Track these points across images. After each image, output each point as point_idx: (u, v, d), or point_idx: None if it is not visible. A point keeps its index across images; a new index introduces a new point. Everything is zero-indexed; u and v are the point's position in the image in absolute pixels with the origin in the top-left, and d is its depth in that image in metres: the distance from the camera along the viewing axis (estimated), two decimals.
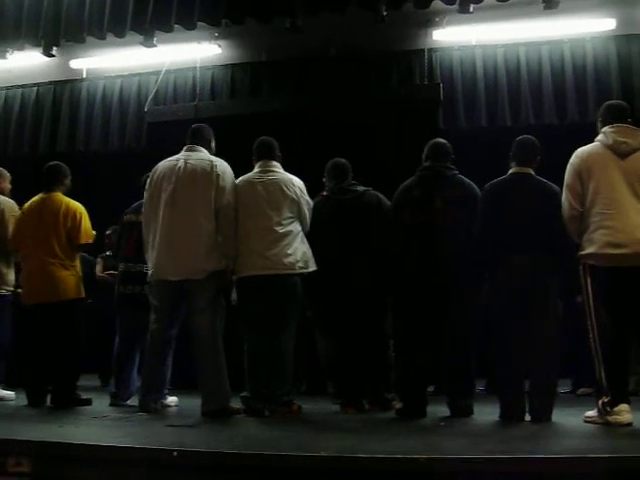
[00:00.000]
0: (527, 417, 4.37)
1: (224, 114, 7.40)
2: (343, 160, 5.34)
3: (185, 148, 4.96)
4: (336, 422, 4.62)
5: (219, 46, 7.96)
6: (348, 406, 4.99)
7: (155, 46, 7.39)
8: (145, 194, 4.96)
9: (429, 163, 4.89)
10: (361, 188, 5.22)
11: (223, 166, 4.85)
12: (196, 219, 4.72)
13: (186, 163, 4.82)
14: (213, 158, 4.89)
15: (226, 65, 8.10)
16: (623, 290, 4.19)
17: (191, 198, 4.74)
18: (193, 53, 7.94)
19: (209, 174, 4.76)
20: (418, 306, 4.67)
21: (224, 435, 3.97)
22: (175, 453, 3.19)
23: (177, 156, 4.92)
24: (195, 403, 4.82)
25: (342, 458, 3.09)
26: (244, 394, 4.80)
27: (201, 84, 8.08)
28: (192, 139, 4.98)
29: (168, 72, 8.08)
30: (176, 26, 7.04)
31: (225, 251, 4.75)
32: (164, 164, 4.91)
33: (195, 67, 8.05)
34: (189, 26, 7.06)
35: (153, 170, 4.96)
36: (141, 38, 7.30)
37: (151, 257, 4.81)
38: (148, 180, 4.96)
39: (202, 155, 4.89)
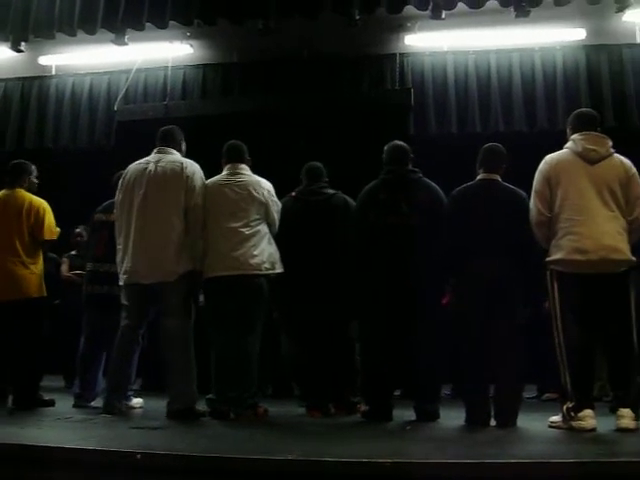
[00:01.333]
0: (492, 422, 4.39)
1: (195, 114, 7.36)
2: (318, 163, 5.36)
3: (155, 150, 4.95)
4: (302, 425, 4.60)
5: (191, 46, 7.92)
6: (314, 409, 4.99)
7: (126, 44, 7.33)
8: (117, 196, 4.94)
9: (392, 166, 4.89)
10: (330, 191, 5.23)
11: (193, 167, 4.85)
12: (168, 222, 4.72)
13: (156, 166, 4.82)
14: (183, 160, 4.89)
15: (197, 65, 8.06)
16: (589, 296, 4.23)
17: (162, 201, 4.74)
18: (164, 52, 7.89)
19: (179, 176, 4.77)
20: (384, 309, 4.67)
21: (189, 437, 3.94)
22: (139, 455, 3.16)
23: (147, 158, 4.92)
24: (161, 405, 4.78)
25: (307, 461, 3.07)
26: (210, 396, 4.77)
27: (172, 84, 8.02)
28: (162, 141, 4.98)
29: (139, 71, 8.01)
30: (148, 25, 7.00)
31: (193, 252, 4.75)
32: (135, 167, 4.91)
33: (166, 66, 7.99)
34: (161, 25, 7.02)
35: (124, 173, 4.95)
36: (112, 36, 7.25)
37: (123, 260, 4.79)
38: (119, 183, 4.95)
39: (172, 157, 4.89)
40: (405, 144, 5.02)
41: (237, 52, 7.93)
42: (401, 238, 4.66)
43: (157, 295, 4.76)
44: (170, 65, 7.98)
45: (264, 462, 3.09)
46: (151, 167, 4.82)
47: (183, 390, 4.65)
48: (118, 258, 4.84)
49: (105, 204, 5.38)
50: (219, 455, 3.21)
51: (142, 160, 4.93)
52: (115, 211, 4.96)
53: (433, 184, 4.83)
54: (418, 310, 4.60)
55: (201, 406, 4.75)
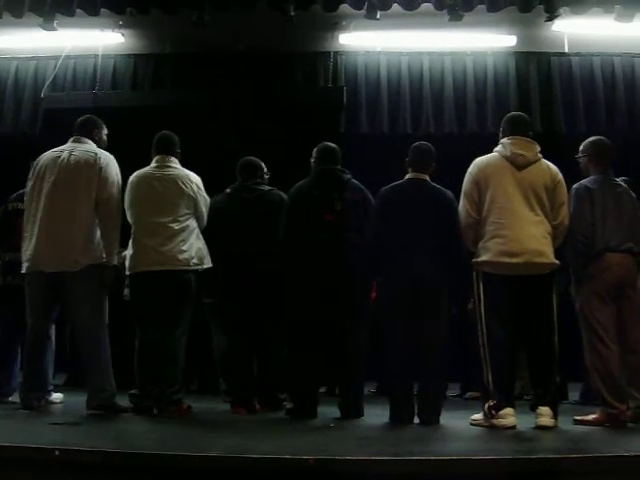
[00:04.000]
0: (416, 419, 4.44)
1: (124, 105, 7.22)
2: (254, 159, 5.33)
3: (71, 139, 4.85)
4: (226, 421, 4.58)
5: (122, 35, 7.73)
6: (238, 406, 4.96)
7: (55, 30, 7.11)
8: (27, 184, 4.83)
9: (324, 165, 4.89)
10: (265, 187, 5.20)
11: (107, 158, 4.76)
12: (76, 211, 4.63)
13: (70, 154, 4.73)
14: (98, 150, 4.79)
15: (129, 55, 7.89)
16: (514, 298, 4.32)
17: (72, 190, 4.65)
18: (95, 40, 7.69)
19: (92, 166, 4.68)
20: (312, 307, 4.67)
21: (110, 433, 3.87)
22: (57, 452, 3.08)
23: (62, 147, 4.82)
24: (82, 400, 4.67)
25: (230, 458, 3.05)
26: (133, 391, 4.71)
27: (102, 73, 7.83)
28: (79, 130, 4.88)
29: (68, 58, 7.80)
30: (78, 11, 6.81)
31: (106, 245, 4.65)
32: (48, 155, 4.81)
33: (96, 55, 7.80)
34: (92, 12, 6.84)
35: (37, 160, 4.84)
36: (40, 20, 7.03)
37: (28, 248, 4.67)
38: (31, 171, 4.83)
39: (87, 147, 4.80)
40: (335, 145, 5.03)
41: (170, 43, 7.80)
42: (332, 236, 4.67)
43: (61, 286, 4.63)
44: (100, 54, 7.80)
45: (186, 459, 3.05)
46: (64, 155, 4.73)
47: (100, 386, 4.57)
48: (24, 246, 4.70)
49: (20, 192, 5.21)
50: (140, 451, 3.15)
51: (57, 148, 4.82)
52: (25, 198, 4.83)
53: (361, 185, 4.85)
54: (345, 308, 4.62)
55: (124, 401, 4.67)
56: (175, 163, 4.93)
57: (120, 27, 7.62)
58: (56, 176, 4.66)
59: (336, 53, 7.75)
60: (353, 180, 4.87)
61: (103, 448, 3.19)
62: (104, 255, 4.63)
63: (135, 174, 4.86)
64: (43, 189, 4.67)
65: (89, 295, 4.62)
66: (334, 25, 7.55)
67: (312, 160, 4.97)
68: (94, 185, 4.64)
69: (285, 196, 5.09)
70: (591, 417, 4.44)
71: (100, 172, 4.66)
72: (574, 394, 5.76)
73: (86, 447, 3.20)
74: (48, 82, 7.78)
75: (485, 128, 7.34)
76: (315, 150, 4.98)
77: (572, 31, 7.56)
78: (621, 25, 7.09)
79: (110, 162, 4.75)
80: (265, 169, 5.34)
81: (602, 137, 4.88)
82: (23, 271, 4.70)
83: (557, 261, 4.40)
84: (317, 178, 4.87)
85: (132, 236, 4.78)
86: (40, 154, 4.94)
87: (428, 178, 4.67)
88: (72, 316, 4.68)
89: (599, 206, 4.54)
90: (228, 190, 5.20)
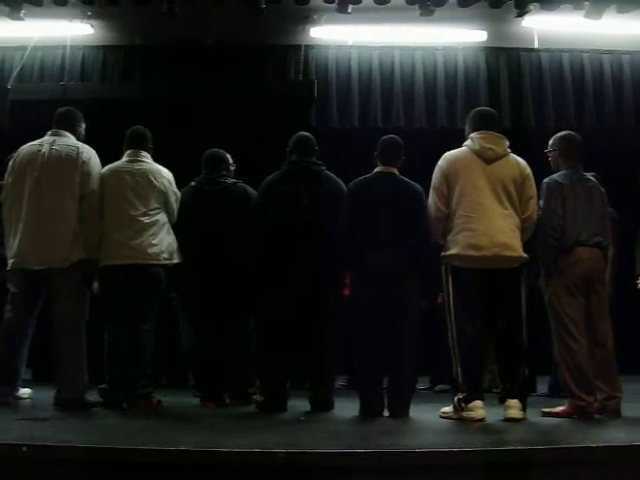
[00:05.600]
0: (386, 412, 4.46)
1: (93, 97, 7.11)
2: (218, 151, 5.30)
3: (50, 132, 4.79)
4: (196, 416, 4.56)
5: (91, 26, 7.62)
6: (208, 400, 4.94)
7: (22, 20, 7.00)
8: (6, 179, 4.76)
9: (295, 157, 4.87)
10: (230, 180, 5.18)
11: (89, 153, 4.72)
12: (61, 207, 4.59)
13: (51, 148, 4.67)
14: (79, 144, 4.75)
15: (98, 46, 7.79)
16: (483, 291, 4.35)
17: (56, 185, 4.60)
18: (63, 31, 7.58)
19: (74, 160, 4.64)
20: (281, 301, 4.66)
21: (79, 429, 3.83)
22: (25, 448, 3.03)
23: (41, 140, 4.75)
24: (51, 395, 4.63)
25: (200, 452, 3.04)
26: (102, 386, 4.68)
27: (70, 64, 7.72)
28: (58, 123, 4.81)
29: (35, 48, 7.69)
30: (46, 0, 6.71)
31: (88, 240, 4.63)
32: (27, 149, 4.73)
33: (65, 46, 7.69)
34: (60, 2, 6.74)
35: (15, 154, 4.77)
36: (7, 10, 6.91)
37: (12, 245, 4.62)
38: (9, 165, 4.76)
39: (67, 140, 4.74)
40: (310, 135, 5.01)
41: (140, 35, 7.71)
42: (301, 231, 4.66)
43: (47, 282, 4.61)
44: (69, 44, 7.69)
45: (156, 453, 3.03)
46: (45, 150, 4.66)
47: (72, 379, 4.54)
48: (7, 242, 4.66)
49: None
50: (109, 446, 3.13)
51: (35, 142, 4.75)
52: (4, 194, 4.76)
53: (335, 177, 4.84)
54: (316, 302, 4.62)
55: (93, 396, 4.64)
56: (147, 158, 4.91)
57: (89, 18, 7.50)
58: (38, 172, 4.60)
59: (307, 47, 7.73)
60: (325, 172, 4.85)
61: (72, 443, 3.16)
62: (86, 250, 4.60)
63: (106, 168, 4.82)
64: (25, 185, 4.61)
65: (73, 290, 4.60)
66: (305, 18, 7.52)
67: (287, 150, 4.95)
68: (77, 180, 4.60)
69: (250, 189, 5.08)
70: (559, 409, 4.50)
71: (83, 166, 4.63)
72: (542, 387, 5.83)
73: (55, 443, 3.17)
74: (15, 73, 7.65)
75: (455, 123, 7.38)
76: (291, 140, 4.96)
77: (542, 27, 7.62)
78: (590, 22, 7.16)
79: (92, 156, 4.72)
80: (231, 161, 5.32)
81: (572, 132, 4.93)
82: (8, 268, 4.65)
83: (525, 254, 4.43)
84: (285, 172, 4.85)
85: (102, 230, 4.73)
86: (9, 146, 4.88)
87: (397, 172, 4.67)
88: (54, 311, 4.61)
89: (570, 200, 4.59)
90: (193, 183, 5.18)
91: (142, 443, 3.21)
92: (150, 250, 4.70)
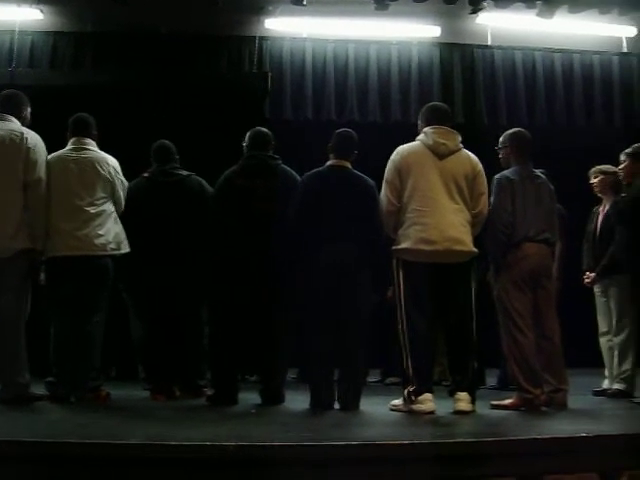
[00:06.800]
0: (336, 405, 4.46)
1: (43, 84, 6.97)
2: (168, 142, 5.24)
3: None
4: (146, 409, 4.51)
5: (41, 11, 7.50)
6: (158, 392, 4.90)
7: None
8: None
9: (253, 152, 4.85)
10: (184, 172, 5.13)
11: (35, 139, 4.57)
12: (5, 195, 4.44)
13: None
14: (24, 129, 4.59)
15: (48, 32, 7.64)
16: (433, 285, 4.37)
17: None
18: (12, 15, 7.42)
19: (18, 147, 4.48)
20: (234, 294, 4.64)
21: (24, 422, 3.77)
22: None
23: None
24: None
25: (150, 445, 3.01)
26: (49, 379, 4.59)
27: (19, 50, 7.55)
28: (1, 107, 4.65)
29: None
30: None
31: (34, 229, 4.51)
32: None
33: (13, 30, 7.52)
34: None
35: None
36: None
37: None
38: None
39: (12, 125, 4.57)
40: (267, 131, 4.99)
41: (91, 22, 7.59)
42: (257, 224, 4.63)
43: None
44: (17, 29, 7.52)
45: (104, 447, 2.99)
46: None
47: (14, 379, 4.40)
48: None
49: None
50: (56, 440, 3.07)
51: None
52: None
53: (291, 171, 4.82)
54: (268, 295, 4.60)
55: (40, 390, 4.55)
56: (92, 145, 4.80)
57: (39, 2, 7.38)
58: None
59: (261, 38, 7.71)
60: (282, 166, 4.83)
61: (18, 438, 3.09)
62: (31, 240, 4.48)
63: (51, 156, 4.70)
64: None
65: (15, 282, 4.46)
66: (260, 10, 7.51)
67: (244, 145, 4.92)
68: (21, 167, 4.45)
69: (204, 182, 5.05)
70: (507, 402, 4.56)
71: (28, 153, 4.47)
72: (491, 379, 5.91)
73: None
74: None
75: (408, 117, 7.44)
76: (247, 135, 4.93)
77: (495, 24, 7.73)
78: (542, 21, 7.27)
79: (38, 142, 4.57)
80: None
81: (522, 129, 4.98)
82: None
83: (476, 249, 4.48)
84: (243, 166, 4.82)
85: (48, 220, 4.61)
86: None
87: (350, 165, 4.67)
88: None
89: (520, 197, 4.64)
90: (146, 174, 5.11)
91: (91, 437, 3.15)
92: (97, 241, 4.62)
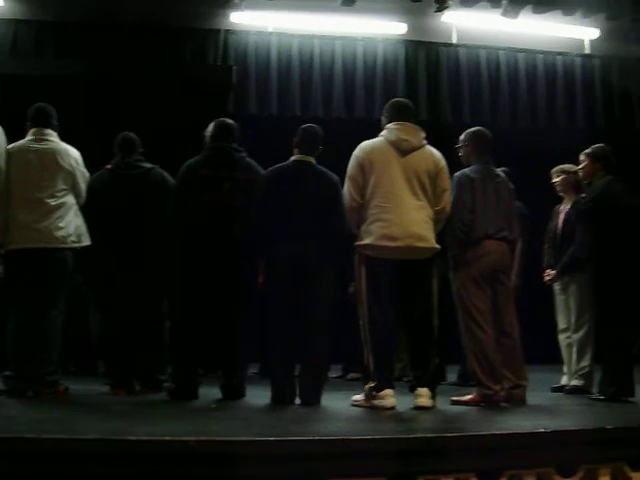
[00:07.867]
0: (297, 400, 4.46)
1: (3, 72, 6.87)
2: (132, 134, 5.18)
3: None
4: (105, 404, 4.45)
5: None
6: (118, 387, 4.85)
7: None
8: None
9: (217, 143, 4.81)
10: (147, 165, 5.08)
11: None
12: None
13: None
14: None
15: (9, 20, 7.50)
16: (395, 281, 4.39)
17: None
18: None
19: None
20: (195, 288, 4.61)
21: None
22: None
23: None
24: None
25: (108, 441, 2.97)
26: (6, 373, 4.53)
27: None
28: None
29: None
30: None
31: None
32: None
33: None
34: None
35: None
36: None
37: None
38: None
39: None
40: (232, 122, 4.95)
41: (54, 11, 7.47)
42: (220, 216, 4.60)
43: None
44: None
45: (62, 442, 2.94)
46: None
47: None
48: None
49: None
50: (13, 435, 3.02)
51: None
52: None
53: (256, 165, 4.79)
54: (231, 289, 4.58)
55: None
56: (53, 136, 4.74)
57: None
58: None
59: (227, 31, 7.68)
60: (246, 159, 4.80)
61: None
62: None
63: (11, 146, 4.62)
64: None
65: None
66: (226, 2, 7.46)
67: (207, 136, 4.88)
68: None
69: (167, 175, 5.00)
70: (467, 397, 4.59)
71: None
72: (452, 376, 5.95)
73: None
74: None
75: (373, 113, 7.44)
76: (211, 125, 4.89)
77: (460, 23, 7.78)
78: (507, 20, 7.34)
79: None
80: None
81: (483, 128, 5.01)
82: None
83: (438, 246, 4.50)
84: (207, 156, 4.78)
85: (7, 212, 4.55)
86: None
87: (314, 161, 4.67)
88: None
89: (479, 195, 4.67)
90: (109, 166, 5.05)
91: (48, 432, 3.11)
92: (57, 233, 4.56)
